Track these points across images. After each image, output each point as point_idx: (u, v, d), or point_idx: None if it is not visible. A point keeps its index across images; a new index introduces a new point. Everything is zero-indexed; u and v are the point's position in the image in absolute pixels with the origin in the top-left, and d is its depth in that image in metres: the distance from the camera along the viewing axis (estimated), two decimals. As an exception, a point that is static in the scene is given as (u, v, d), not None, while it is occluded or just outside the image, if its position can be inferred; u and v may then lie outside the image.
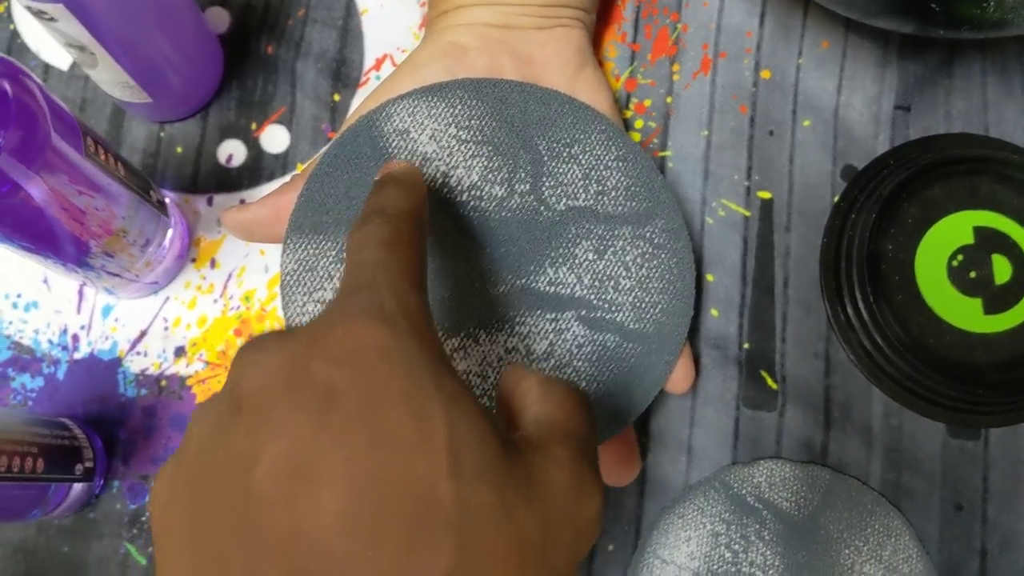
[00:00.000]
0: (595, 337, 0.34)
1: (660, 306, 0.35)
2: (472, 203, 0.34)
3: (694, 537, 0.37)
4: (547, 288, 0.34)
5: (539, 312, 0.34)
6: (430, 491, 0.19)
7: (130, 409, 0.38)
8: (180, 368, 0.39)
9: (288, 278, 0.33)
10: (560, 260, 0.34)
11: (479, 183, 0.34)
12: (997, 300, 0.38)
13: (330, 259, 0.33)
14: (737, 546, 0.37)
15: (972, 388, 0.37)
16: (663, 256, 0.35)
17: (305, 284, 0.33)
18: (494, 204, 0.34)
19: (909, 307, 0.38)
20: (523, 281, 0.34)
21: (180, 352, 0.39)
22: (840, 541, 0.37)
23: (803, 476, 0.38)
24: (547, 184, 0.35)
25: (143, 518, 0.38)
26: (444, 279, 0.34)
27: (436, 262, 0.34)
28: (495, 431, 0.21)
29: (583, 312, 0.34)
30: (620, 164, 0.35)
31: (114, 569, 0.37)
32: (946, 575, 0.37)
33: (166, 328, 0.39)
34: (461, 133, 0.35)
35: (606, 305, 0.34)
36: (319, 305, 0.33)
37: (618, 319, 0.34)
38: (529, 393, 0.24)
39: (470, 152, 0.35)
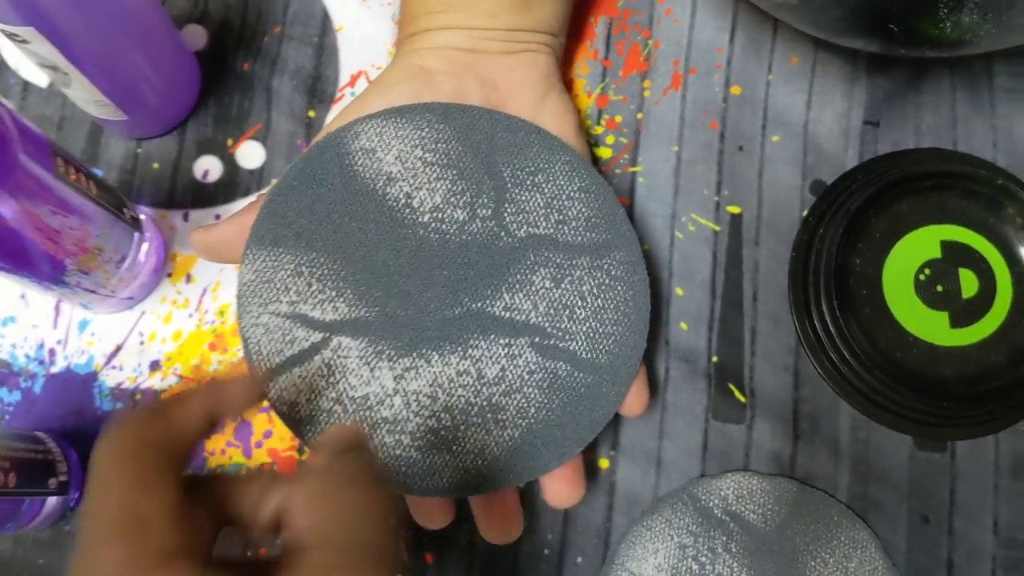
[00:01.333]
0: (547, 364, 0.34)
1: (614, 337, 0.35)
2: (434, 225, 0.35)
3: (662, 549, 0.38)
4: (502, 313, 0.34)
5: (493, 336, 0.34)
6: None
7: (106, 422, 0.39)
8: (155, 382, 0.39)
9: (245, 288, 0.34)
10: (517, 286, 0.35)
11: (442, 205, 0.35)
12: (963, 314, 0.38)
13: (287, 272, 0.34)
14: (704, 558, 0.38)
15: (939, 401, 0.37)
16: (620, 288, 0.35)
17: (261, 295, 0.34)
18: (455, 227, 0.35)
19: (876, 321, 0.38)
20: (479, 305, 0.34)
21: (155, 366, 0.39)
22: (807, 553, 0.38)
23: (770, 489, 0.38)
24: (509, 210, 0.35)
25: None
26: (400, 297, 0.34)
27: (394, 280, 0.34)
28: None
29: (536, 339, 0.34)
30: (582, 195, 0.36)
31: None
32: (912, 587, 0.38)
33: (141, 342, 0.39)
34: (427, 155, 0.35)
35: (560, 333, 0.35)
36: (273, 316, 0.33)
37: (571, 348, 0.34)
38: (293, 505, 0.23)
39: (435, 175, 0.35)
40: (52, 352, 0.39)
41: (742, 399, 0.39)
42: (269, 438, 0.39)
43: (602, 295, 0.35)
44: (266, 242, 0.34)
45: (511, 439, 0.33)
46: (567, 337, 0.35)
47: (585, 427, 0.34)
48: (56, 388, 0.39)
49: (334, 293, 0.34)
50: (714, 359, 0.39)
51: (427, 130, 0.35)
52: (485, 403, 0.34)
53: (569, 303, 0.35)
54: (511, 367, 0.34)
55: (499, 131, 0.36)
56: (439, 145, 0.35)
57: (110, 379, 0.39)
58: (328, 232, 0.34)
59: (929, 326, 0.38)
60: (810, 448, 0.39)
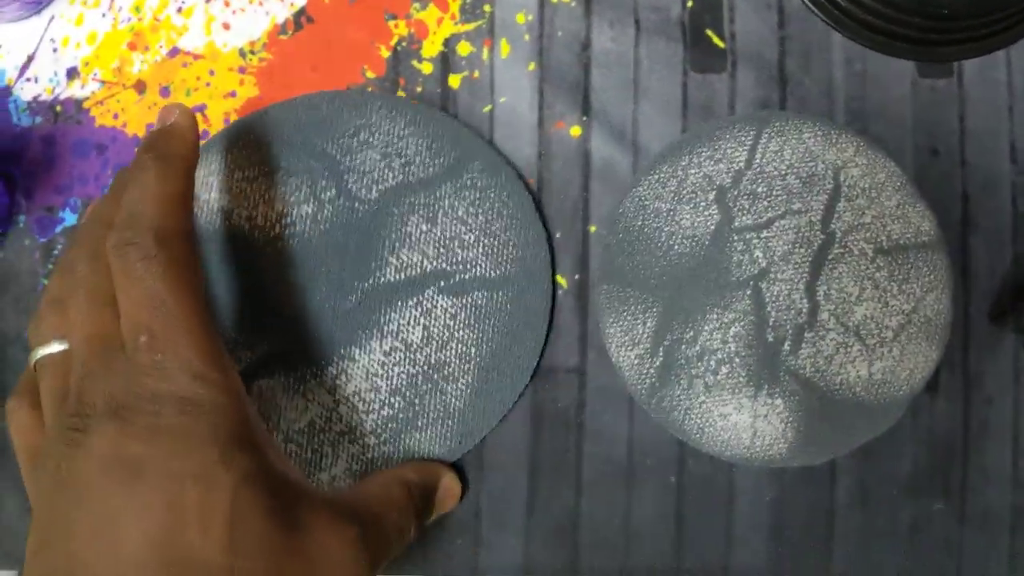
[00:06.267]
0: (463, 301, 0.33)
1: (511, 243, 0.34)
2: (288, 231, 0.33)
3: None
4: (396, 276, 0.33)
5: (399, 303, 0.33)
6: (207, 562, 0.22)
7: (27, 140, 0.35)
8: (75, 91, 0.36)
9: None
10: (397, 244, 0.33)
11: (284, 210, 0.33)
12: (963, -83, 0.34)
13: None
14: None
15: (938, 7, 0.33)
16: (492, 195, 0.34)
17: None
18: (309, 223, 0.33)
19: (865, -64, 0.34)
20: (370, 281, 0.33)
21: (73, 73, 0.36)
22: (805, 197, 0.34)
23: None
24: (351, 180, 0.34)
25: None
26: (297, 315, 0.33)
27: (284, 301, 0.33)
28: (276, 508, 0.24)
29: (441, 283, 0.33)
30: (413, 129, 0.34)
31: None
32: (924, 223, 0.34)
33: (55, 50, 0.36)
34: (247, 173, 0.34)
35: (460, 266, 0.33)
36: None
37: (477, 274, 0.33)
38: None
39: (263, 186, 0.34)
40: (-42, 70, 0.36)
41: (721, 45, 0.35)
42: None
43: (480, 210, 0.34)
44: None
45: (468, 385, 0.33)
46: (468, 266, 0.33)
47: (530, 336, 0.33)
48: (-32, 107, 0.36)
49: (230, 346, 0.33)
50: (689, 4, 0.35)
51: (234, 151, 0.34)
52: (426, 367, 0.33)
53: (453, 233, 0.34)
54: (432, 322, 0.33)
55: (302, 114, 0.34)
56: (251, 156, 0.34)
57: (25, 92, 0.36)
58: None
59: (925, -62, 0.34)
60: (800, 89, 0.35)
